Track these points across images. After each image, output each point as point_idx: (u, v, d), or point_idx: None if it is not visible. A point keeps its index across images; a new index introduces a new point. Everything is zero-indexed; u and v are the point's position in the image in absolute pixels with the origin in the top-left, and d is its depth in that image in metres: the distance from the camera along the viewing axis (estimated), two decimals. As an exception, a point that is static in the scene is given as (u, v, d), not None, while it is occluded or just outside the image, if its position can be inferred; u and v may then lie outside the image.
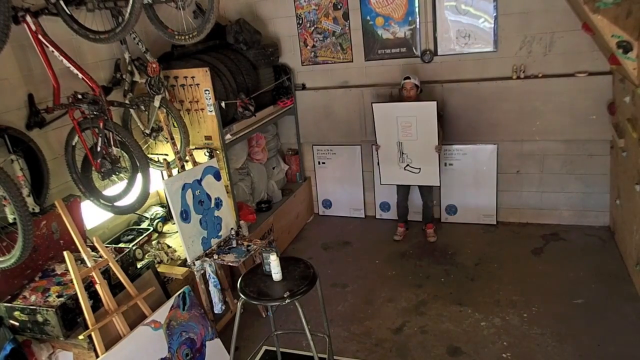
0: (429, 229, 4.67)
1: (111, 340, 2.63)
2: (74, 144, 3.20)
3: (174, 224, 3.85)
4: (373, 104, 4.37)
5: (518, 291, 3.71)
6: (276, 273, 2.61)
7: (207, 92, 3.69)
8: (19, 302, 2.68)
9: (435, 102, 4.14)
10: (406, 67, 4.60)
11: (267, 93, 4.59)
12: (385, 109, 4.35)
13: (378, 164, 4.62)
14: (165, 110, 3.57)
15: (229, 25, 4.30)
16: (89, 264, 2.68)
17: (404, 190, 4.67)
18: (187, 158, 3.66)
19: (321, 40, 4.82)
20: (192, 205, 3.39)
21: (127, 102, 3.70)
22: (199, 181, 3.50)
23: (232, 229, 3.62)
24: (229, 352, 3.03)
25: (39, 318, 2.60)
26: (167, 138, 3.54)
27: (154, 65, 3.46)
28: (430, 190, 4.58)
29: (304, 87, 5.05)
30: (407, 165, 4.42)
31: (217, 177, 3.65)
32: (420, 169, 4.40)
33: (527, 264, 4.08)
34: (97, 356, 2.54)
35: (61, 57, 2.98)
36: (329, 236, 4.95)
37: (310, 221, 5.40)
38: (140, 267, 3.16)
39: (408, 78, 4.25)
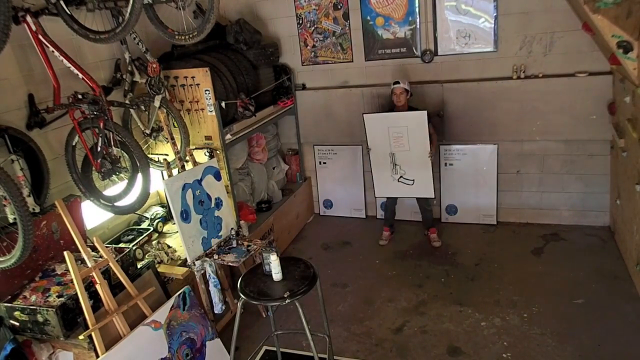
0: (432, 233, 4.56)
1: (111, 340, 2.63)
2: (74, 144, 3.20)
3: (174, 224, 3.85)
4: (364, 115, 4.32)
5: (518, 291, 3.71)
6: (276, 273, 2.61)
7: (207, 92, 3.69)
8: (19, 302, 2.68)
9: (425, 112, 4.08)
10: (406, 67, 4.60)
11: (267, 93, 4.59)
12: (376, 120, 4.29)
13: (372, 174, 4.51)
14: (165, 110, 3.57)
15: (229, 25, 4.31)
16: (89, 264, 2.68)
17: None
18: (187, 158, 3.66)
19: (321, 40, 4.82)
20: (192, 205, 3.39)
21: (127, 102, 3.70)
22: (199, 181, 3.50)
23: (232, 229, 3.63)
24: (229, 352, 3.03)
25: (39, 318, 2.60)
26: (167, 138, 3.54)
27: (154, 65, 3.46)
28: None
29: (304, 87, 5.04)
30: (401, 176, 4.36)
31: (217, 177, 3.66)
32: (414, 180, 4.35)
33: (527, 264, 4.08)
34: (98, 356, 2.54)
35: (61, 57, 2.97)
36: (329, 236, 4.95)
37: (310, 221, 5.40)
38: (141, 267, 3.16)
39: (397, 82, 4.19)
